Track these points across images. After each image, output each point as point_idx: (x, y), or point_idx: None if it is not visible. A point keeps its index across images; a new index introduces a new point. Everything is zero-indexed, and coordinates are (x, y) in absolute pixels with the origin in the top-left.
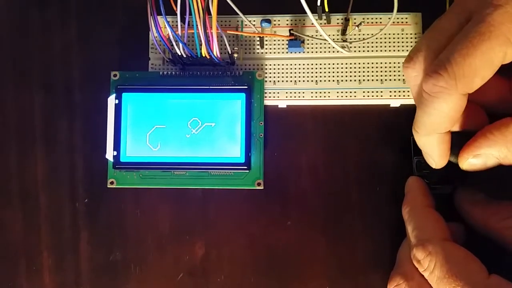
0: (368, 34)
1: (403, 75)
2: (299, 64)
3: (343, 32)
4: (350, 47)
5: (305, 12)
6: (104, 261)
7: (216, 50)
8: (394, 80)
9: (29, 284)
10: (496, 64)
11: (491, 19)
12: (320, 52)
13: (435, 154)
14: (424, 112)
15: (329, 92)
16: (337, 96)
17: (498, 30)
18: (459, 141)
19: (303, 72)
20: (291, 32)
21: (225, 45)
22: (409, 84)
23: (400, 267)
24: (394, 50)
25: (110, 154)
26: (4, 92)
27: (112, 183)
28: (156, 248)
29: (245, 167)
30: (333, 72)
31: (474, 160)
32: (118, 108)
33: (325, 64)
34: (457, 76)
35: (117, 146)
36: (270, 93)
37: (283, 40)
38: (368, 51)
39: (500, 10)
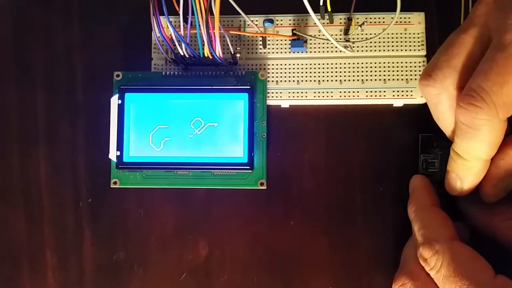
0: (371, 34)
1: (406, 75)
2: (302, 64)
3: (346, 31)
4: (353, 47)
5: (307, 12)
6: (107, 260)
7: (218, 50)
8: (397, 80)
9: (32, 283)
10: None
11: None
12: (323, 52)
13: (469, 180)
14: (468, 144)
15: (332, 92)
16: (340, 96)
17: None
18: None
19: (306, 72)
20: (294, 32)
21: (228, 45)
22: (428, 101)
23: (405, 266)
24: (397, 50)
25: (113, 154)
26: (7, 92)
27: (115, 183)
28: (159, 247)
29: (248, 167)
30: (336, 72)
31: (496, 191)
32: (121, 108)
33: (328, 64)
34: (497, 105)
35: (120, 146)
36: (272, 93)
37: (285, 40)
38: (371, 50)
39: None
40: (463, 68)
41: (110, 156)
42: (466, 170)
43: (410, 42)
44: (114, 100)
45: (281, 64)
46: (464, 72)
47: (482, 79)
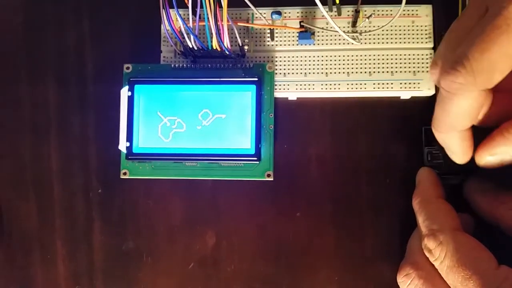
0: (378, 26)
1: (413, 67)
2: (310, 56)
3: (354, 24)
4: (361, 39)
5: (315, 4)
6: (117, 250)
7: (226, 42)
8: (405, 72)
9: (43, 272)
10: None
11: (507, 12)
12: (331, 44)
13: (458, 151)
14: (443, 110)
15: (339, 84)
16: (347, 88)
17: None
18: (477, 135)
19: (313, 64)
20: (302, 24)
21: (236, 37)
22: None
23: (410, 257)
24: (404, 42)
25: (123, 145)
26: (19, 85)
27: (125, 173)
28: (167, 237)
29: (255, 159)
30: (343, 64)
31: (491, 158)
32: (130, 100)
33: (335, 56)
34: (476, 71)
35: (129, 137)
36: (280, 85)
37: (293, 32)
38: (378, 43)
39: None
40: None
41: (120, 147)
42: (447, 142)
43: (417, 34)
44: (124, 92)
45: (288, 56)
46: None
47: (466, 46)
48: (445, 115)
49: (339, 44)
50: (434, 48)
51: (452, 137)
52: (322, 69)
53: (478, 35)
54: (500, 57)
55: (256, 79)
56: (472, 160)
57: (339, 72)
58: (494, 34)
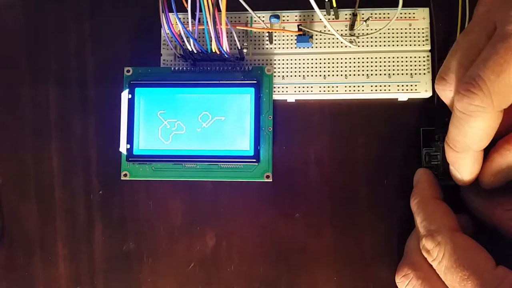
0: (376, 29)
1: (411, 70)
2: (308, 59)
3: (351, 27)
4: (358, 42)
5: (313, 8)
6: (117, 251)
7: (225, 46)
8: (402, 74)
9: (44, 273)
10: None
11: None
12: (328, 47)
13: (467, 172)
14: (460, 131)
15: (337, 87)
16: (345, 91)
17: None
18: None
19: (312, 67)
20: (300, 27)
21: (235, 40)
22: (448, 104)
23: (408, 258)
24: (402, 45)
25: (123, 147)
26: (20, 87)
27: (125, 175)
28: (168, 238)
29: (254, 160)
30: (341, 67)
31: (495, 178)
32: (131, 102)
33: (333, 59)
34: (493, 94)
35: (130, 139)
36: (279, 87)
37: (291, 36)
38: (376, 45)
39: None
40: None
41: (120, 149)
42: (459, 162)
43: (414, 37)
44: (125, 95)
45: (287, 59)
46: None
47: (480, 68)
48: (462, 136)
49: (337, 47)
50: (431, 51)
51: (466, 157)
52: (320, 71)
53: (492, 56)
54: None
55: (255, 81)
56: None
57: (337, 75)
58: (509, 55)
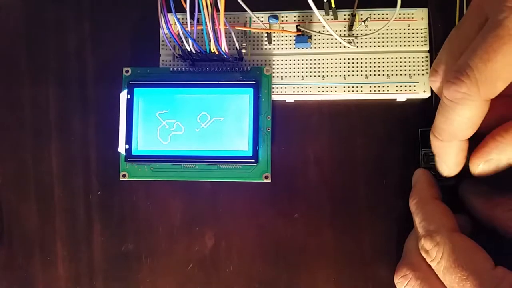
0: (374, 30)
1: (409, 70)
2: (306, 60)
3: (350, 27)
4: (357, 43)
5: (312, 9)
6: (117, 251)
7: (224, 46)
8: (401, 74)
9: (43, 273)
10: None
11: (509, 22)
12: (327, 47)
13: (451, 162)
14: (446, 119)
15: (336, 87)
16: (344, 91)
17: None
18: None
19: (310, 67)
20: (298, 28)
21: (234, 41)
22: (440, 96)
23: (407, 258)
24: (400, 45)
25: (122, 148)
26: (20, 87)
27: (124, 175)
28: (167, 238)
29: (253, 161)
30: (340, 67)
31: (485, 165)
32: (130, 103)
33: (332, 59)
34: (480, 82)
35: (129, 139)
36: (277, 88)
37: (290, 36)
38: (374, 46)
39: None
40: None
41: (119, 149)
42: (444, 151)
43: (413, 37)
44: (124, 95)
45: (286, 60)
46: None
47: (469, 56)
48: (448, 124)
49: (336, 47)
50: (430, 51)
51: (451, 146)
52: (319, 72)
53: (481, 45)
54: (503, 67)
55: (254, 82)
56: (466, 167)
57: (336, 75)
58: (497, 44)
